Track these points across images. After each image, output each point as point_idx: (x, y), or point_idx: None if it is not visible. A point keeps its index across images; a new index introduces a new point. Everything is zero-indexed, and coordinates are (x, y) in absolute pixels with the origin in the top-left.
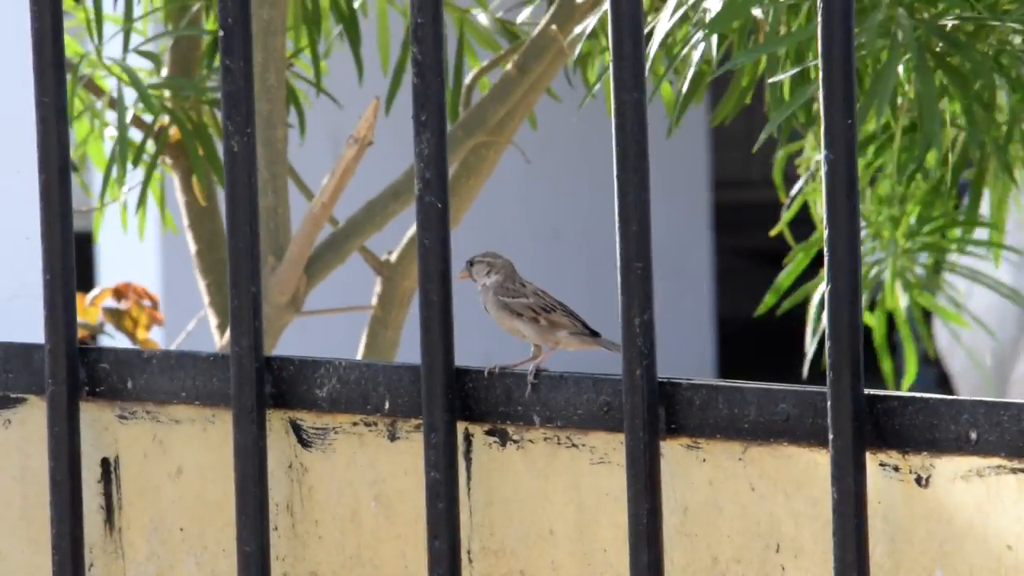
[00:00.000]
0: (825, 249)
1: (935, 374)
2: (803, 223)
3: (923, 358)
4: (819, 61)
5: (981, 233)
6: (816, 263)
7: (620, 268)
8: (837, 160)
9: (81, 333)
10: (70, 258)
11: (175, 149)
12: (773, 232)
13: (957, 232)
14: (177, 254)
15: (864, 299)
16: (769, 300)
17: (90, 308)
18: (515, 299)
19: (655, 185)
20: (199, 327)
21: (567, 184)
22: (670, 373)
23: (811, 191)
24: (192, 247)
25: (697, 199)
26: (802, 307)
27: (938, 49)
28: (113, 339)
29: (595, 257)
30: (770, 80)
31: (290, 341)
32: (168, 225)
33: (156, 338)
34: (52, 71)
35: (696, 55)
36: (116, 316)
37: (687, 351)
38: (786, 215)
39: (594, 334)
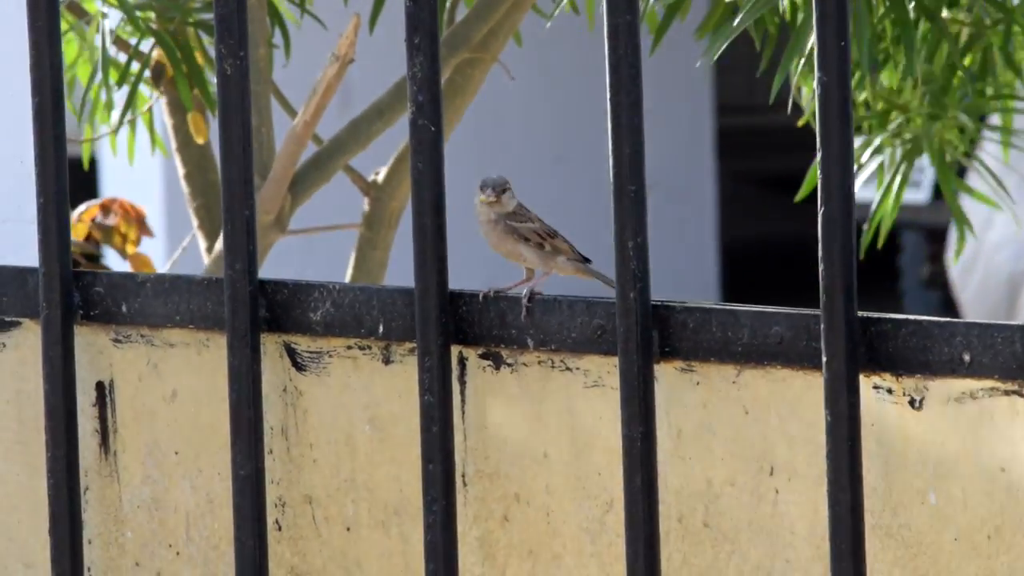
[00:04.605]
0: (818, 171)
1: (939, 297)
2: None
3: (927, 282)
4: None
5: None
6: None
7: (613, 191)
8: (830, 82)
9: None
10: (64, 181)
11: (160, 71)
12: (797, 198)
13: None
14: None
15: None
16: None
17: (78, 224)
18: (523, 223)
19: (658, 110)
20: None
21: (569, 110)
22: (674, 298)
23: None
24: (180, 170)
25: (701, 124)
26: (806, 232)
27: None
28: (103, 256)
29: (597, 183)
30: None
31: (277, 262)
32: (159, 147)
33: (149, 252)
34: None
35: None
36: (104, 232)
37: (691, 276)
38: (810, 174)
39: (586, 260)
